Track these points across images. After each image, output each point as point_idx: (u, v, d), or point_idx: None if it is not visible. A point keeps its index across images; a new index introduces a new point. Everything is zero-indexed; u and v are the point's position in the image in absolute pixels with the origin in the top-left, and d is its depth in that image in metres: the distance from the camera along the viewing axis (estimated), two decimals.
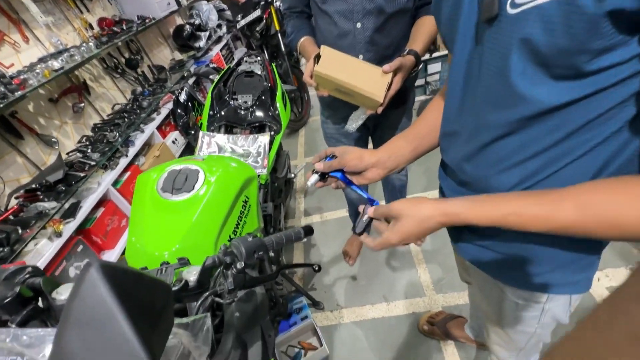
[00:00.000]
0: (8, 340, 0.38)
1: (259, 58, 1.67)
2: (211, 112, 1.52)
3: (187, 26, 3.43)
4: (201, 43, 3.51)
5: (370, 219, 0.61)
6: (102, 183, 1.90)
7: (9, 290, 0.51)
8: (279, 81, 1.58)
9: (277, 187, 1.68)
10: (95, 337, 0.27)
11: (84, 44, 2.10)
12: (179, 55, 3.57)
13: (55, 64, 1.76)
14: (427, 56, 2.64)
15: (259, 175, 1.39)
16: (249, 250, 0.67)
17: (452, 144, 0.57)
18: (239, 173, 0.93)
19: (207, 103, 1.53)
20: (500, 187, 0.49)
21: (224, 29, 4.11)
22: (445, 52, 2.61)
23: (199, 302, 0.60)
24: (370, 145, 1.65)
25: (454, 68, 0.52)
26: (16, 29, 1.90)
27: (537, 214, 0.42)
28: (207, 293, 0.62)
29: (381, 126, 1.32)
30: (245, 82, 1.60)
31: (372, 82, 0.96)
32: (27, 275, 0.56)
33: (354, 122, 1.17)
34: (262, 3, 2.84)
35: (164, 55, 3.48)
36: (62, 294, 0.54)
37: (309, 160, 2.12)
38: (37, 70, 1.65)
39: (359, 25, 1.03)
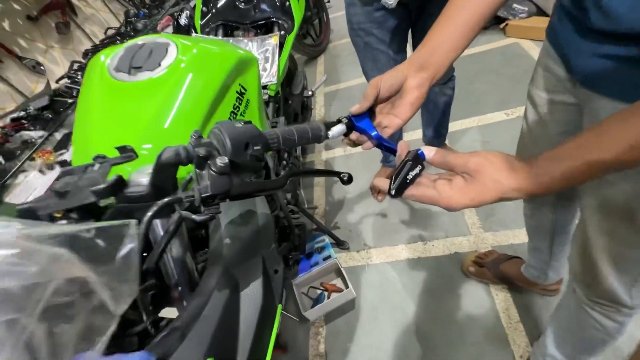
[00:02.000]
0: None
1: None
2: (204, 9, 1.19)
3: None
4: None
5: (418, 174, 0.41)
6: None
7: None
8: None
9: (293, 109, 1.39)
10: None
11: None
12: None
13: None
14: None
15: (265, 86, 1.10)
16: (236, 140, 0.41)
17: None
18: (228, 52, 0.65)
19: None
20: None
21: None
22: None
23: (150, 213, 0.36)
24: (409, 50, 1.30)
25: None
26: None
27: None
28: (165, 200, 0.37)
29: (426, 11, 0.96)
30: None
31: None
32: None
33: None
34: None
35: None
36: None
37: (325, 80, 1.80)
38: None
39: None
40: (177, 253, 0.46)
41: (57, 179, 0.42)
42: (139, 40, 0.61)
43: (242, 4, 1.18)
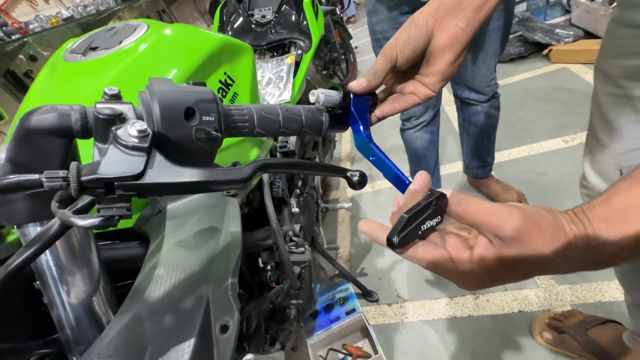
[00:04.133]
0: None
1: None
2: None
3: None
4: None
5: (433, 227, 0.29)
6: None
7: None
8: None
9: (312, 136, 1.26)
10: None
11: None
12: None
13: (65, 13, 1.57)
14: None
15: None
16: (171, 104, 0.26)
17: None
18: (211, 34, 0.53)
19: (215, 23, 1.17)
20: None
21: None
22: None
23: None
24: None
25: None
26: None
27: None
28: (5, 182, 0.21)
29: None
30: None
31: None
32: None
33: None
34: None
35: None
36: None
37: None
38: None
39: None
40: (77, 290, 0.28)
41: None
42: (114, 24, 0.52)
43: (258, 26, 1.13)
